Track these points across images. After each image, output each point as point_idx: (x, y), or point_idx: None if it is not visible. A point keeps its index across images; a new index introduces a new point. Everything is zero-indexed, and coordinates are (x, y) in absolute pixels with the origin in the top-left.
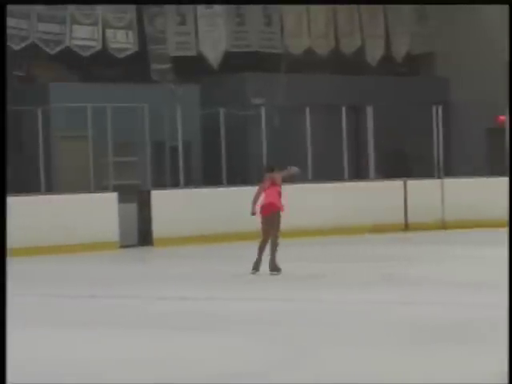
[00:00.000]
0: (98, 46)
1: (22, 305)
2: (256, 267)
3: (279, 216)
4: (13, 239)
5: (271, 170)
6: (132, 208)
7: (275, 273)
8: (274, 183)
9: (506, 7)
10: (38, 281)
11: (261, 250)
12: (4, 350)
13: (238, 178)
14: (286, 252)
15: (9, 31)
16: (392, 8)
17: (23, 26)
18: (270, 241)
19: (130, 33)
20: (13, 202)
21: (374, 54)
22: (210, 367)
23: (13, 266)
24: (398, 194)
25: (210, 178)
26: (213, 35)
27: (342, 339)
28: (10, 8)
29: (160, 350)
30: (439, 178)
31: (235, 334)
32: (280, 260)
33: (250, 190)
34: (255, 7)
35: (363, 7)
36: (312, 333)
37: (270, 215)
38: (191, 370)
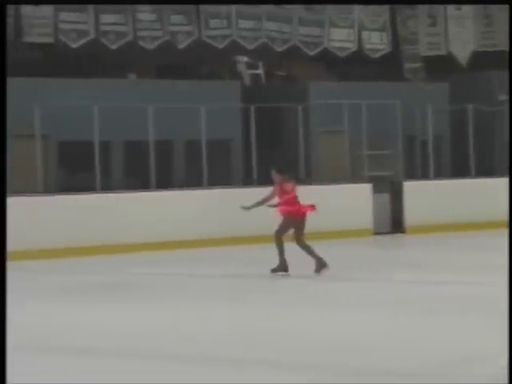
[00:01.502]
0: (354, 47)
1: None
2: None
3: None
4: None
5: (280, 172)
6: (385, 198)
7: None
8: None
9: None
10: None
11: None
12: (4, 349)
13: (484, 170)
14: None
15: (272, 34)
16: None
17: (285, 29)
18: (302, 243)
19: (384, 34)
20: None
21: None
22: (453, 350)
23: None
24: None
25: (458, 170)
26: (462, 36)
27: None
28: (272, 12)
29: (412, 334)
30: None
31: (479, 318)
32: (486, 248)
33: (497, 182)
34: (502, 8)
35: None
36: None
37: (301, 220)
38: (438, 353)
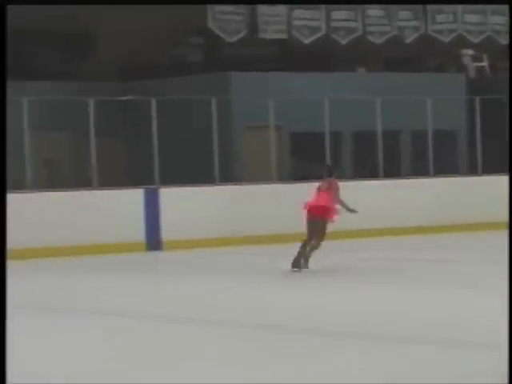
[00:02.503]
0: None
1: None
2: (297, 265)
3: (326, 223)
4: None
5: (331, 173)
6: None
7: (296, 270)
8: (330, 187)
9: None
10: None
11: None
12: (4, 350)
13: None
14: None
15: (497, 28)
16: None
17: None
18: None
19: None
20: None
21: None
22: None
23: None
24: None
25: None
26: None
27: None
28: (498, 6)
29: None
30: None
31: None
32: None
33: None
34: None
35: None
36: None
37: (321, 219)
38: None
